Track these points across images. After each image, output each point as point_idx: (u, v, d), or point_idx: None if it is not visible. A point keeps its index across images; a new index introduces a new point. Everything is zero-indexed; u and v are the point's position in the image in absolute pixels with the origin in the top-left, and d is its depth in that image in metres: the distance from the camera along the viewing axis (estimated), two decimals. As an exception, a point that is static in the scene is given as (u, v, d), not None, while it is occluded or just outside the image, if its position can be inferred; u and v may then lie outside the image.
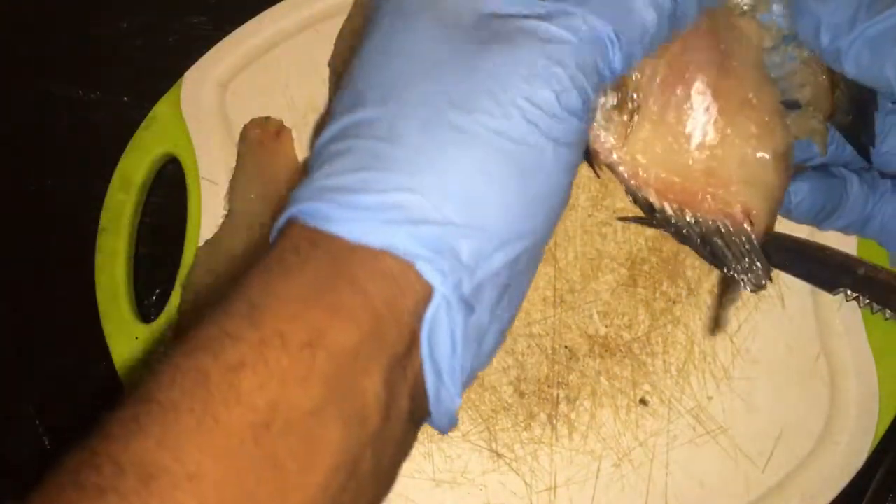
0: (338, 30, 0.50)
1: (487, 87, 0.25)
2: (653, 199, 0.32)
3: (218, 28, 0.53)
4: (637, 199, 0.32)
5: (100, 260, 0.50)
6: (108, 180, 0.51)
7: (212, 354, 0.22)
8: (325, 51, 0.50)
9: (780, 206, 0.32)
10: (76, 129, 0.55)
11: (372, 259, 0.24)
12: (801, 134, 0.33)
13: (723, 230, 0.32)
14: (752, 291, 0.32)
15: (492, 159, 0.25)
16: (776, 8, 0.32)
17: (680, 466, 0.46)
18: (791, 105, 0.32)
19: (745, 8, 0.32)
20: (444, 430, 0.27)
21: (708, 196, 0.32)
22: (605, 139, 0.31)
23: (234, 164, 0.50)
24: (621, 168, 0.31)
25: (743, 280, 0.32)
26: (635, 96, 0.31)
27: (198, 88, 0.51)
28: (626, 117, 0.31)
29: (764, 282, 0.32)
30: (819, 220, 0.36)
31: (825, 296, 0.46)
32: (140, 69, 0.56)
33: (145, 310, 0.51)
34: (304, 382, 0.22)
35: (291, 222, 0.25)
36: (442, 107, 0.25)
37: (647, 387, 0.47)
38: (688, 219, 0.32)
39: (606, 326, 0.48)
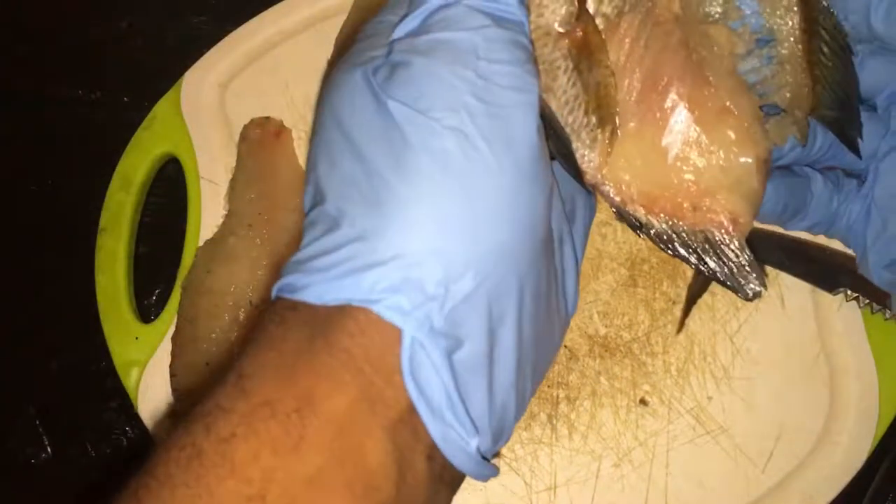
0: (338, 30, 0.51)
1: (399, 119, 0.25)
2: (639, 214, 0.31)
3: (218, 28, 0.53)
4: (623, 216, 0.31)
5: (99, 260, 0.50)
6: (108, 180, 0.51)
7: (204, 427, 0.23)
8: (325, 51, 0.50)
9: (759, 208, 0.32)
10: (76, 129, 0.55)
11: (343, 318, 0.24)
12: (780, 139, 0.32)
13: (713, 240, 0.31)
14: (748, 300, 0.32)
15: (430, 181, 0.24)
16: (747, 9, 0.31)
17: (680, 466, 0.46)
18: (771, 109, 0.32)
19: (716, 16, 0.31)
20: (481, 478, 0.27)
21: (694, 207, 0.31)
22: (590, 158, 0.31)
23: (233, 164, 0.50)
24: (605, 186, 0.31)
25: (739, 289, 0.31)
26: (616, 114, 0.31)
27: (198, 88, 0.51)
28: (607, 135, 0.31)
29: (760, 290, 0.31)
30: (783, 220, 0.35)
31: (825, 296, 0.46)
32: (140, 69, 0.56)
33: (145, 310, 0.51)
34: (297, 450, 0.22)
35: (277, 297, 0.26)
36: (373, 155, 0.25)
37: (647, 387, 0.47)
38: (677, 231, 0.31)
39: (606, 326, 0.48)
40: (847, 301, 0.45)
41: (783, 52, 0.32)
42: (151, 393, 0.47)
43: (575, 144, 0.30)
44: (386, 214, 0.24)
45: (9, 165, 0.55)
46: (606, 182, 0.31)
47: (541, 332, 0.28)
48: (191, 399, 0.46)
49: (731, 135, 0.31)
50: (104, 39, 0.56)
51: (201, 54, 0.52)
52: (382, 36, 0.28)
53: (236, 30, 0.52)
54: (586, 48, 0.30)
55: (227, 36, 0.52)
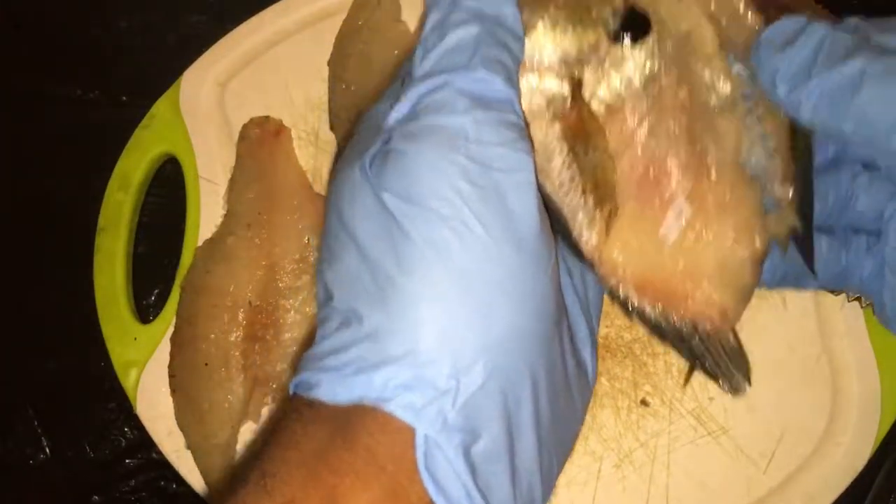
0: (337, 29, 0.50)
1: (399, 214, 0.25)
2: (632, 296, 0.31)
3: (217, 27, 0.53)
4: (615, 297, 0.31)
5: (98, 260, 0.49)
6: (106, 180, 0.50)
7: None
8: (325, 50, 0.50)
9: (749, 302, 0.32)
10: (75, 129, 0.55)
11: (362, 416, 0.24)
12: (781, 232, 0.32)
13: (701, 331, 0.31)
14: (731, 394, 0.32)
15: (432, 274, 0.24)
16: (750, 102, 0.31)
17: (681, 467, 0.46)
18: (773, 203, 0.32)
19: (724, 106, 0.31)
20: None
21: (686, 296, 0.31)
22: (588, 237, 0.30)
23: (233, 163, 0.50)
24: (600, 266, 0.31)
25: (721, 383, 0.31)
26: (614, 195, 0.30)
27: (197, 88, 0.51)
28: (605, 215, 0.30)
29: (743, 386, 0.31)
30: (786, 287, 0.35)
31: (827, 296, 0.46)
32: (139, 69, 0.56)
33: (144, 310, 0.51)
34: None
35: (295, 393, 0.26)
36: (374, 250, 0.25)
37: (648, 387, 0.47)
38: (666, 318, 0.31)
39: (607, 327, 0.47)
40: (849, 301, 0.45)
41: (779, 149, 0.32)
42: (150, 393, 0.47)
43: (572, 224, 0.30)
44: (392, 311, 0.24)
45: (7, 165, 0.55)
46: (602, 262, 0.31)
47: (560, 409, 0.28)
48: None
49: (730, 228, 0.31)
50: (103, 39, 0.56)
51: (200, 53, 0.52)
52: (377, 125, 0.28)
53: (235, 29, 0.52)
54: (582, 132, 0.30)
55: (226, 35, 0.52)
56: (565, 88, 0.30)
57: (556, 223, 0.30)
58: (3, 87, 0.56)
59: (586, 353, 0.31)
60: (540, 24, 0.29)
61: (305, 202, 0.48)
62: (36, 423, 0.51)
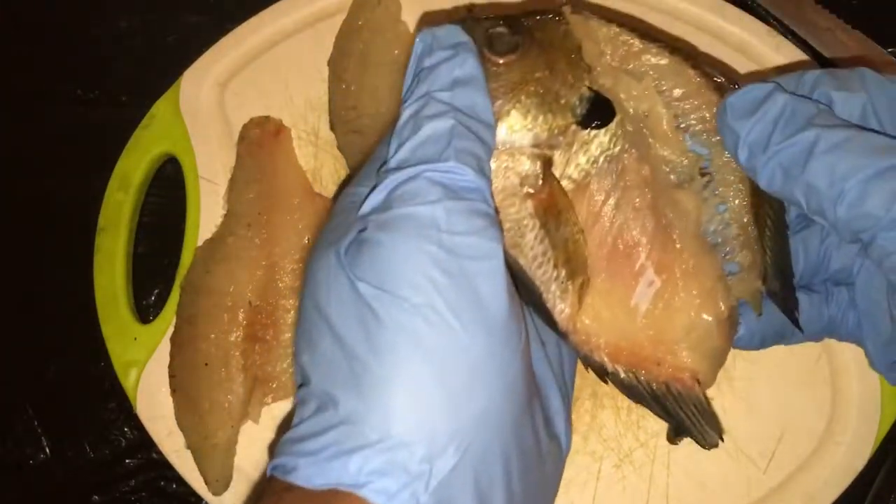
0: (337, 29, 0.50)
1: (369, 296, 0.26)
2: (606, 363, 0.32)
3: (217, 27, 0.53)
4: (590, 363, 0.32)
5: (98, 260, 0.49)
6: (106, 180, 0.50)
7: None
8: (325, 50, 0.50)
9: (723, 363, 0.34)
10: (75, 129, 0.55)
11: (336, 500, 0.25)
12: (745, 295, 0.33)
13: (673, 393, 0.33)
14: (704, 449, 0.33)
15: (405, 360, 0.25)
16: (709, 177, 0.33)
17: (681, 467, 0.46)
18: (735, 269, 0.33)
19: (682, 181, 0.33)
20: None
21: (658, 362, 0.33)
22: (561, 308, 0.32)
23: (233, 163, 0.50)
24: (574, 335, 0.32)
25: (696, 440, 0.33)
26: (585, 267, 0.32)
27: (197, 88, 0.51)
28: (577, 287, 0.32)
29: (716, 441, 0.33)
30: (770, 345, 0.36)
31: (827, 296, 0.46)
32: (139, 69, 0.56)
33: (144, 310, 0.51)
34: None
35: (272, 476, 0.27)
36: (349, 336, 0.26)
37: (647, 387, 0.47)
38: (639, 382, 0.33)
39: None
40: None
41: (737, 218, 0.33)
42: (150, 393, 0.47)
43: (545, 296, 0.32)
44: (366, 396, 0.25)
45: (7, 165, 0.55)
46: (575, 331, 0.32)
47: (533, 482, 0.29)
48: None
49: (695, 295, 0.32)
50: (103, 39, 0.56)
51: (200, 53, 0.52)
52: (352, 211, 0.29)
53: (235, 29, 0.52)
54: (553, 208, 0.31)
55: (226, 35, 0.52)
56: (537, 168, 0.31)
57: (528, 296, 0.31)
58: (3, 87, 0.56)
59: (560, 425, 0.31)
60: (513, 112, 0.31)
61: (305, 202, 0.48)
62: (35, 422, 0.51)
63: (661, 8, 0.50)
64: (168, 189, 0.53)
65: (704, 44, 0.50)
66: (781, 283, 0.33)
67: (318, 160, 0.51)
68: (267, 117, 0.50)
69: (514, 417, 0.27)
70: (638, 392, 0.32)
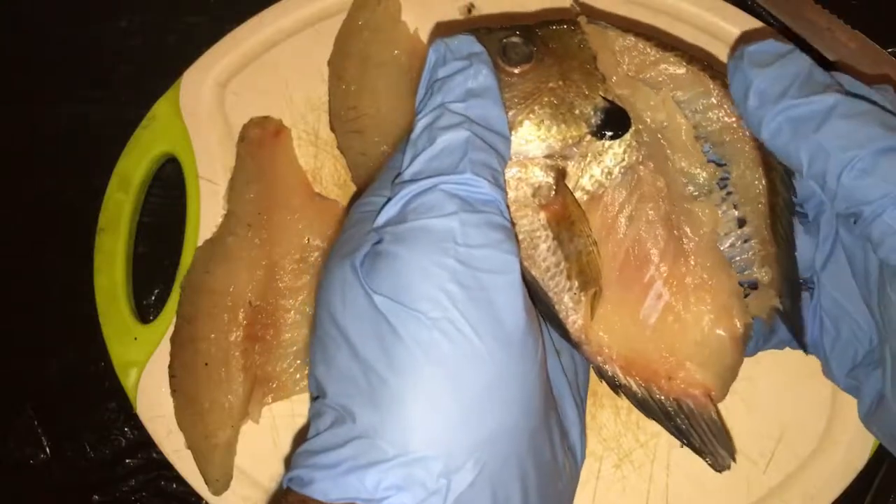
0: (337, 29, 0.50)
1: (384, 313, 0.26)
2: (618, 375, 0.32)
3: (217, 27, 0.53)
4: (603, 375, 0.32)
5: (98, 260, 0.49)
6: (106, 180, 0.50)
7: None
8: (325, 50, 0.50)
9: (734, 379, 0.33)
10: (75, 129, 0.55)
11: None
12: (761, 313, 0.33)
13: (685, 409, 0.32)
14: (717, 470, 0.33)
15: (422, 374, 0.25)
16: (726, 190, 0.33)
17: (681, 467, 0.46)
18: (752, 285, 0.33)
19: (699, 193, 0.32)
20: None
21: (669, 377, 0.32)
22: (574, 319, 0.31)
23: (233, 163, 0.50)
24: (586, 346, 0.32)
25: (707, 459, 0.32)
26: (599, 278, 0.31)
27: (197, 88, 0.51)
28: (590, 298, 0.31)
29: (728, 463, 0.32)
30: (752, 351, 0.36)
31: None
32: (140, 69, 0.56)
33: (144, 310, 0.51)
34: None
35: (288, 489, 0.26)
36: (366, 350, 0.26)
37: (647, 387, 0.47)
38: (652, 396, 0.32)
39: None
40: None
41: (757, 233, 0.33)
42: (150, 393, 0.47)
43: (558, 307, 0.31)
44: (384, 411, 0.25)
45: (7, 165, 0.55)
46: (588, 342, 0.32)
47: (550, 496, 0.28)
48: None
49: (709, 311, 0.32)
50: (103, 38, 0.56)
51: (200, 53, 0.52)
52: (367, 222, 0.28)
53: (235, 29, 0.52)
54: (566, 219, 0.31)
55: (226, 35, 0.52)
56: (550, 179, 0.31)
57: (541, 306, 0.31)
58: (3, 87, 0.56)
59: (575, 436, 0.31)
60: (527, 122, 0.31)
61: (305, 202, 0.48)
62: (35, 422, 0.51)
63: (661, 8, 0.50)
64: (168, 189, 0.53)
65: (704, 44, 0.50)
66: (791, 301, 0.33)
67: (318, 160, 0.51)
68: (267, 117, 0.50)
69: (532, 431, 0.27)
70: (650, 407, 0.32)
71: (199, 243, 0.49)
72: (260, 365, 0.46)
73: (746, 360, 0.46)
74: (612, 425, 0.46)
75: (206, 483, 0.45)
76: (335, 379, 0.27)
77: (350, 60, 0.49)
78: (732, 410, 0.46)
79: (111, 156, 0.51)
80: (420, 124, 0.29)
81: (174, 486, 0.50)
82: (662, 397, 0.32)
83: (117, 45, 0.56)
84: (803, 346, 0.33)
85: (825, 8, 0.51)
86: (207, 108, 0.51)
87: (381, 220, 0.28)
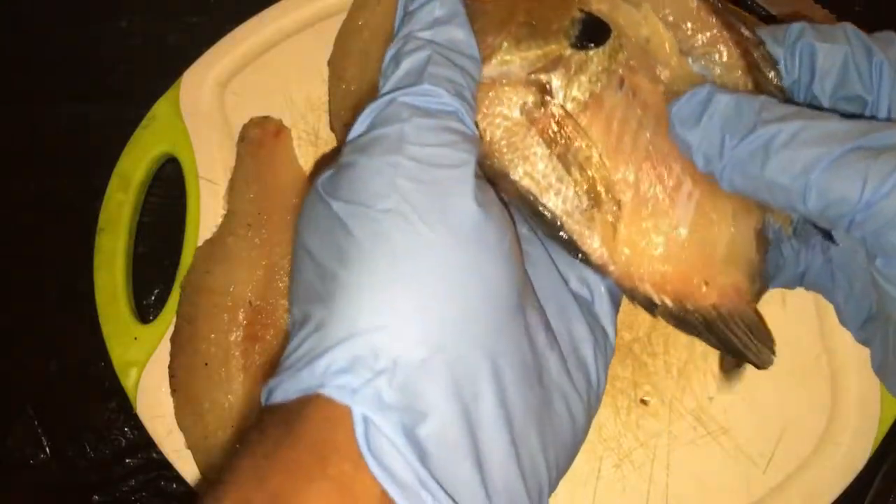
0: (338, 29, 0.50)
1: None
2: (651, 294, 0.31)
3: (217, 27, 0.53)
4: (636, 297, 0.31)
5: (98, 260, 0.49)
6: (106, 180, 0.50)
7: None
8: (325, 50, 0.50)
9: (758, 281, 0.33)
10: (75, 129, 0.55)
11: (307, 408, 0.24)
12: (772, 211, 0.33)
13: (724, 315, 0.32)
14: (761, 369, 0.32)
15: (372, 263, 0.25)
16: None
17: (681, 467, 0.46)
18: None
19: None
20: None
21: (705, 282, 0.32)
22: (592, 239, 0.31)
23: (233, 163, 0.50)
24: (612, 267, 0.31)
25: (752, 359, 0.32)
26: (612, 192, 0.31)
27: (197, 88, 0.51)
28: (609, 216, 0.31)
29: (770, 359, 0.32)
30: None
31: (827, 296, 0.46)
32: (140, 69, 0.56)
33: (144, 310, 0.51)
34: None
35: (260, 407, 0.26)
36: (323, 256, 0.26)
37: (647, 387, 0.47)
38: (689, 310, 0.32)
39: (607, 326, 0.47)
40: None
41: None
42: (150, 393, 0.47)
43: (570, 227, 0.31)
44: (335, 303, 0.25)
45: (7, 165, 0.55)
46: (615, 264, 0.31)
47: (541, 408, 0.28)
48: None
49: (732, 208, 0.32)
50: (103, 38, 0.56)
51: (200, 53, 0.52)
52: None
53: (235, 29, 0.52)
54: (561, 131, 0.31)
55: (226, 35, 0.52)
56: (537, 95, 0.31)
57: (547, 229, 0.31)
58: (2, 87, 0.56)
59: (587, 352, 0.30)
60: (504, 44, 0.31)
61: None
62: (36, 422, 0.51)
63: (660, 8, 0.50)
64: (168, 189, 0.53)
65: (704, 44, 0.50)
66: None
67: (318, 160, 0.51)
68: (267, 117, 0.50)
69: (499, 325, 0.26)
70: (689, 322, 0.31)
71: (199, 243, 0.49)
72: (260, 365, 0.46)
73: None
74: (612, 425, 0.46)
75: (206, 483, 0.45)
76: (300, 290, 0.27)
77: (350, 60, 0.49)
78: (732, 410, 0.46)
79: (111, 156, 0.51)
80: (388, 55, 0.29)
81: (174, 486, 0.50)
82: (699, 310, 0.31)
83: (117, 45, 0.56)
84: (830, 238, 0.33)
85: (825, 8, 0.51)
86: (207, 108, 0.51)
87: (349, 137, 0.28)
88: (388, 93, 0.28)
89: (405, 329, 0.24)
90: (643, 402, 0.47)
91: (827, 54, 0.31)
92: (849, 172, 0.26)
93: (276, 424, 0.24)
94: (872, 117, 0.31)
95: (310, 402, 0.24)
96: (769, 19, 0.52)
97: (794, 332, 0.47)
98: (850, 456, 0.45)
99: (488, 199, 0.27)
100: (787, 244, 0.35)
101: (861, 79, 0.31)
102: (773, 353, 0.32)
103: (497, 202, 0.28)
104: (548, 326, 0.29)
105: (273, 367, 0.27)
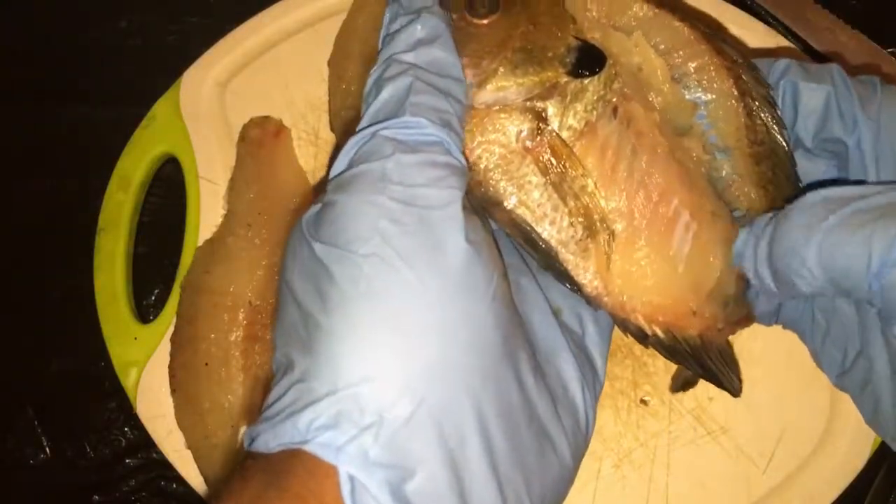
0: (337, 29, 0.50)
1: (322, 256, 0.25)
2: (643, 325, 0.31)
3: (217, 27, 0.53)
4: (628, 328, 0.31)
5: (98, 260, 0.49)
6: (106, 180, 0.50)
7: None
8: (325, 50, 0.50)
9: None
10: (75, 129, 0.55)
11: (293, 461, 0.24)
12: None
13: (706, 344, 0.32)
14: (734, 396, 0.33)
15: (353, 311, 0.24)
16: (705, 123, 0.33)
17: (681, 467, 0.46)
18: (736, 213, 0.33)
19: (685, 128, 0.32)
20: None
21: (693, 312, 0.32)
22: (587, 270, 0.31)
23: (233, 163, 0.50)
24: (606, 298, 0.31)
25: (726, 387, 0.32)
26: (606, 222, 0.31)
27: (197, 88, 0.51)
28: (603, 246, 0.31)
29: (740, 388, 0.33)
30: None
31: (826, 296, 0.46)
32: (140, 69, 0.56)
33: (144, 310, 0.51)
34: None
35: (244, 449, 0.26)
36: (305, 298, 0.26)
37: (647, 387, 0.47)
38: (678, 341, 0.32)
39: (607, 326, 0.47)
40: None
41: (741, 166, 0.33)
42: (150, 393, 0.47)
43: (564, 256, 0.31)
44: (316, 352, 0.24)
45: (7, 165, 0.55)
46: (608, 294, 0.31)
47: (529, 451, 0.27)
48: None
49: (720, 239, 0.32)
50: (103, 38, 0.56)
51: (200, 53, 0.52)
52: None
53: (235, 29, 0.52)
54: (555, 160, 0.30)
55: (226, 35, 0.52)
56: (532, 122, 0.31)
57: (541, 259, 0.30)
58: (2, 87, 0.56)
59: (576, 394, 0.30)
60: (500, 69, 0.30)
61: (305, 202, 0.48)
62: (36, 422, 0.51)
63: (660, 8, 0.50)
64: (168, 189, 0.53)
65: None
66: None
67: (318, 160, 0.51)
68: (267, 117, 0.50)
69: (486, 371, 0.25)
70: (679, 351, 0.31)
71: (199, 243, 0.49)
72: (260, 365, 0.46)
73: (747, 361, 0.46)
74: (612, 425, 0.46)
75: (206, 483, 0.45)
76: (283, 334, 0.26)
77: (350, 60, 0.49)
78: (733, 410, 0.46)
79: (111, 156, 0.51)
80: (370, 80, 0.29)
81: (174, 486, 0.50)
82: (686, 339, 0.32)
83: (117, 45, 0.56)
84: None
85: (825, 8, 0.51)
86: (207, 109, 0.51)
87: (331, 174, 0.28)
88: (369, 125, 0.27)
89: (388, 380, 0.24)
90: (643, 402, 0.47)
91: (811, 95, 0.31)
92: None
93: (259, 474, 0.24)
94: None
95: (294, 456, 0.24)
96: (773, 21, 0.52)
97: (794, 333, 0.46)
98: (850, 456, 0.45)
99: (478, 236, 0.27)
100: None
101: (843, 120, 0.30)
102: (741, 381, 0.33)
103: (486, 238, 0.28)
104: (536, 369, 0.28)
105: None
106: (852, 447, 0.45)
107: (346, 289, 0.24)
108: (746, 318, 0.33)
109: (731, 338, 0.46)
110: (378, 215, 0.25)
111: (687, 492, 0.45)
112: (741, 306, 0.33)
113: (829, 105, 0.30)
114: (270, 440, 0.24)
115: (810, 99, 0.30)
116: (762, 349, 0.47)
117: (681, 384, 0.42)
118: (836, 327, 0.32)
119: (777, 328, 0.47)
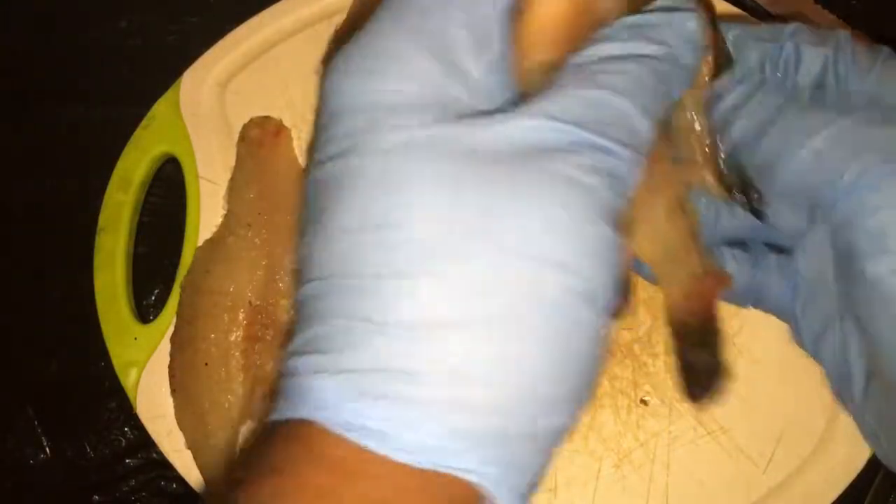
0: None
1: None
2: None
3: (217, 27, 0.53)
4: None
5: (98, 260, 0.49)
6: (106, 180, 0.50)
7: None
8: (325, 50, 0.50)
9: None
10: (75, 129, 0.55)
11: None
12: (693, 182, 0.34)
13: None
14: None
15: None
16: None
17: (681, 467, 0.46)
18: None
19: None
20: None
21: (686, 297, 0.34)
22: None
23: (233, 163, 0.50)
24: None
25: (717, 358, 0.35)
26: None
27: (197, 88, 0.51)
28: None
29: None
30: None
31: (827, 296, 0.46)
32: (139, 69, 0.56)
33: (144, 310, 0.51)
34: None
35: (307, 424, 0.23)
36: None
37: (647, 387, 0.47)
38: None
39: (607, 326, 0.47)
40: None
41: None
42: (150, 393, 0.47)
43: None
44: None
45: (6, 165, 0.55)
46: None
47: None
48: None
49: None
50: (103, 38, 0.56)
51: (200, 53, 0.52)
52: None
53: (235, 29, 0.52)
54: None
55: (226, 35, 0.52)
56: None
57: None
58: (2, 87, 0.56)
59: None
60: None
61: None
62: (35, 422, 0.51)
63: (660, 8, 0.50)
64: (168, 189, 0.53)
65: (704, 44, 0.50)
66: (737, 175, 0.33)
67: (318, 160, 0.51)
68: (267, 117, 0.50)
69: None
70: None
71: (199, 243, 0.49)
72: (260, 365, 0.46)
73: (747, 360, 0.46)
74: (611, 425, 0.46)
75: (206, 483, 0.45)
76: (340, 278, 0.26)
77: (350, 60, 0.49)
78: (732, 410, 0.46)
79: (111, 156, 0.51)
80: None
81: (174, 486, 0.50)
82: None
83: (117, 45, 0.56)
84: (758, 214, 0.33)
85: (825, 8, 0.51)
86: (207, 109, 0.51)
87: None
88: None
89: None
90: (643, 402, 0.47)
91: (810, 55, 0.32)
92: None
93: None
94: None
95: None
96: (770, 19, 0.52)
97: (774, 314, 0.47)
98: (850, 456, 0.45)
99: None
100: (728, 256, 0.36)
101: (837, 86, 0.31)
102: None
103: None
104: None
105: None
106: (852, 447, 0.45)
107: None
108: (718, 278, 0.34)
109: (730, 338, 0.46)
110: None
111: (687, 492, 0.45)
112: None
113: (825, 66, 0.31)
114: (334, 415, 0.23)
115: (811, 61, 0.31)
116: (762, 349, 0.47)
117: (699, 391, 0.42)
118: (821, 294, 0.33)
119: (777, 328, 0.47)
